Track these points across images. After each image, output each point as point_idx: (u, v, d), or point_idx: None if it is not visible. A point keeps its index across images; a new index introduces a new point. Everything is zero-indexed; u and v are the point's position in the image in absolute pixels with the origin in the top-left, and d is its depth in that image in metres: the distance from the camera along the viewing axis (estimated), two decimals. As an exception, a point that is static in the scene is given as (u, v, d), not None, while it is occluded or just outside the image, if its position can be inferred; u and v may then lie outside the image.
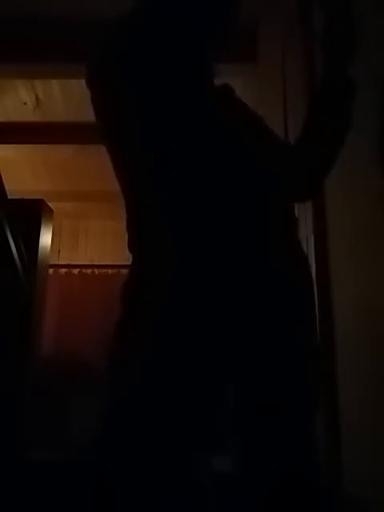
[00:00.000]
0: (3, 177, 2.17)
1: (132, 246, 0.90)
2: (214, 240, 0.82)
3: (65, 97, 3.37)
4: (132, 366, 0.81)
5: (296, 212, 1.06)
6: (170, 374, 0.79)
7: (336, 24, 0.91)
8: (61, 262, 4.94)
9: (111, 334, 0.86)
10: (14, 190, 2.49)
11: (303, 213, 1.69)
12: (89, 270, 4.87)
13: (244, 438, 0.86)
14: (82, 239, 5.47)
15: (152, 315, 0.82)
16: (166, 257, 0.84)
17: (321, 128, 0.93)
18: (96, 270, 4.83)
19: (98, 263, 4.95)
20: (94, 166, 3.79)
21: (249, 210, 0.85)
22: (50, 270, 3.89)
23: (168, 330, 0.80)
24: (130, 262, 0.90)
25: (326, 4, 0.93)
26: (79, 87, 3.17)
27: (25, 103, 3.44)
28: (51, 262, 3.06)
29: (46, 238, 2.58)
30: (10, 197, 2.23)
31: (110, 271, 4.71)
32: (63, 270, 4.81)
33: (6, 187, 2.20)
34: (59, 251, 5.19)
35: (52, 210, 2.70)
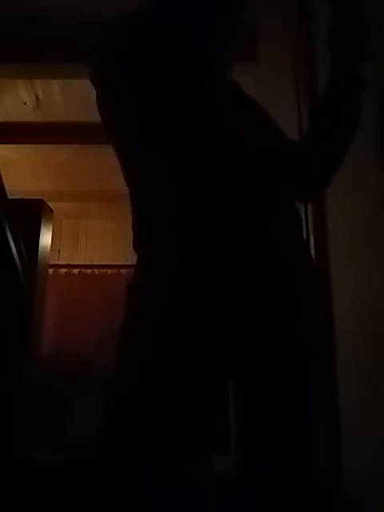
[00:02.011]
0: (3, 177, 2.17)
1: (136, 245, 0.90)
2: (214, 240, 0.82)
3: (65, 97, 3.37)
4: (133, 366, 0.81)
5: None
6: (171, 374, 0.79)
7: (344, 22, 0.91)
8: (61, 262, 4.94)
9: (116, 334, 0.86)
10: (14, 190, 2.49)
11: (303, 213, 1.69)
12: (89, 270, 4.87)
13: (244, 438, 0.86)
14: (82, 239, 5.47)
15: (152, 315, 0.82)
16: (167, 257, 0.84)
17: (327, 128, 0.93)
18: (96, 270, 4.83)
19: (98, 263, 4.95)
20: (94, 165, 3.79)
21: (250, 210, 0.85)
22: (50, 270, 3.89)
23: (168, 330, 0.80)
24: (134, 261, 0.90)
25: (334, 2, 0.93)
26: (79, 87, 3.17)
27: (25, 103, 3.44)
28: (51, 262, 3.07)
29: (45, 238, 2.59)
30: (9, 197, 2.23)
31: (109, 271, 4.71)
32: (63, 270, 4.81)
33: (6, 187, 2.20)
34: (59, 251, 5.18)
35: (52, 210, 2.70)
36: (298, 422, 0.84)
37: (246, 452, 0.86)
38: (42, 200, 2.60)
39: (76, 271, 4.86)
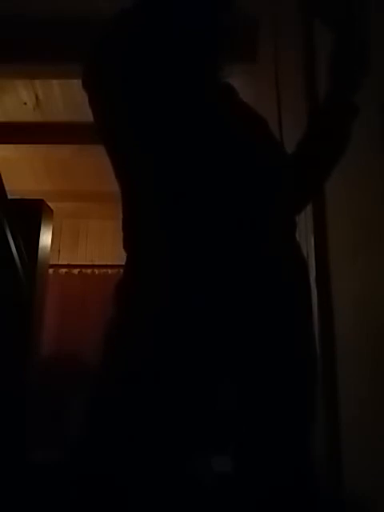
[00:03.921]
0: (3, 177, 2.17)
1: (126, 245, 0.89)
2: (211, 241, 0.82)
3: (65, 97, 3.38)
4: (131, 366, 0.80)
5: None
6: (171, 374, 0.78)
7: (345, 49, 0.91)
8: (61, 262, 4.94)
9: (104, 333, 0.85)
10: (13, 190, 2.49)
11: (303, 212, 1.69)
12: (89, 270, 4.88)
13: (242, 438, 0.86)
14: (82, 239, 5.47)
15: (149, 316, 0.81)
16: (163, 258, 0.83)
17: (315, 147, 0.94)
18: (96, 270, 4.84)
19: (98, 263, 4.96)
20: (94, 166, 3.79)
21: (248, 210, 0.85)
22: (50, 270, 3.89)
23: (166, 331, 0.80)
24: (124, 261, 0.89)
25: (336, 28, 0.93)
26: (79, 87, 3.15)
27: (25, 103, 3.44)
28: (51, 262, 3.06)
29: (45, 238, 2.58)
30: (9, 197, 2.23)
31: (109, 271, 4.71)
32: (63, 270, 4.82)
33: (6, 187, 2.20)
34: (59, 251, 5.19)
35: (52, 210, 2.70)
36: (295, 423, 0.84)
37: (244, 452, 0.86)
38: (42, 200, 2.60)
39: (76, 271, 4.87)
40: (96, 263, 4.98)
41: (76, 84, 3.08)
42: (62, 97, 3.38)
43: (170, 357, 0.78)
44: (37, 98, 3.38)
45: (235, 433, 0.86)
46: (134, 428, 0.77)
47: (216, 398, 0.87)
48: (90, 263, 5.03)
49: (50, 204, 2.67)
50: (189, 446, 0.84)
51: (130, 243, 0.89)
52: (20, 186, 3.86)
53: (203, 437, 0.86)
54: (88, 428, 0.82)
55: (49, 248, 2.66)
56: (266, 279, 0.83)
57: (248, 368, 0.83)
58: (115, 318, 0.85)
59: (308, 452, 0.85)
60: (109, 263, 4.74)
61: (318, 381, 0.90)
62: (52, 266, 3.98)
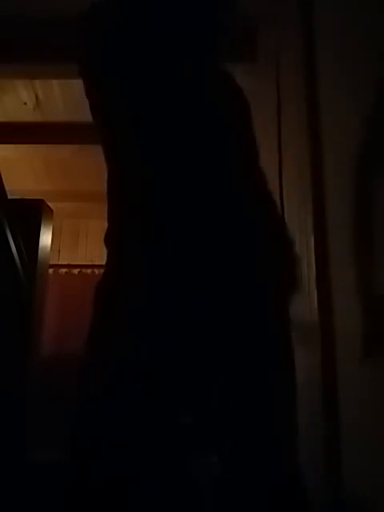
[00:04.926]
0: (3, 177, 2.17)
1: (109, 240, 0.88)
2: (208, 241, 0.82)
3: (65, 97, 3.37)
4: (125, 366, 0.80)
5: (296, 211, 1.04)
6: (167, 374, 0.78)
7: None
8: (61, 262, 4.94)
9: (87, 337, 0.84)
10: (13, 190, 2.49)
11: (303, 212, 1.69)
12: (89, 270, 4.88)
13: (231, 439, 0.85)
14: (82, 239, 5.47)
15: (144, 317, 0.81)
16: (161, 257, 0.83)
17: None
18: (96, 270, 4.83)
19: (98, 263, 4.95)
20: (94, 165, 3.77)
21: (248, 210, 0.85)
22: (50, 270, 3.89)
23: (160, 330, 0.79)
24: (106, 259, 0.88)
25: None
26: (79, 87, 3.15)
27: (25, 103, 3.44)
28: (51, 262, 3.07)
29: (46, 238, 2.59)
30: (9, 197, 2.23)
31: (110, 271, 4.69)
32: (63, 270, 4.82)
33: (6, 187, 2.20)
34: (59, 251, 5.18)
35: (52, 210, 2.71)
36: (280, 424, 0.83)
37: (233, 453, 0.85)
38: (42, 200, 2.61)
39: (76, 271, 4.87)
40: (96, 263, 4.97)
41: (76, 84, 3.08)
42: (62, 97, 3.38)
43: (156, 357, 0.78)
44: (37, 97, 3.38)
45: (217, 434, 0.86)
46: (118, 429, 0.77)
47: (200, 399, 0.86)
48: (90, 263, 5.03)
49: (50, 204, 2.67)
50: (177, 446, 0.84)
51: (114, 239, 0.88)
52: (20, 186, 3.86)
53: (189, 437, 0.85)
54: (80, 429, 0.82)
55: (49, 248, 2.66)
56: (264, 276, 0.83)
57: (235, 370, 0.83)
58: (99, 320, 0.84)
59: (295, 454, 0.85)
60: (109, 263, 4.73)
61: (295, 386, 0.89)
62: (52, 265, 3.99)
